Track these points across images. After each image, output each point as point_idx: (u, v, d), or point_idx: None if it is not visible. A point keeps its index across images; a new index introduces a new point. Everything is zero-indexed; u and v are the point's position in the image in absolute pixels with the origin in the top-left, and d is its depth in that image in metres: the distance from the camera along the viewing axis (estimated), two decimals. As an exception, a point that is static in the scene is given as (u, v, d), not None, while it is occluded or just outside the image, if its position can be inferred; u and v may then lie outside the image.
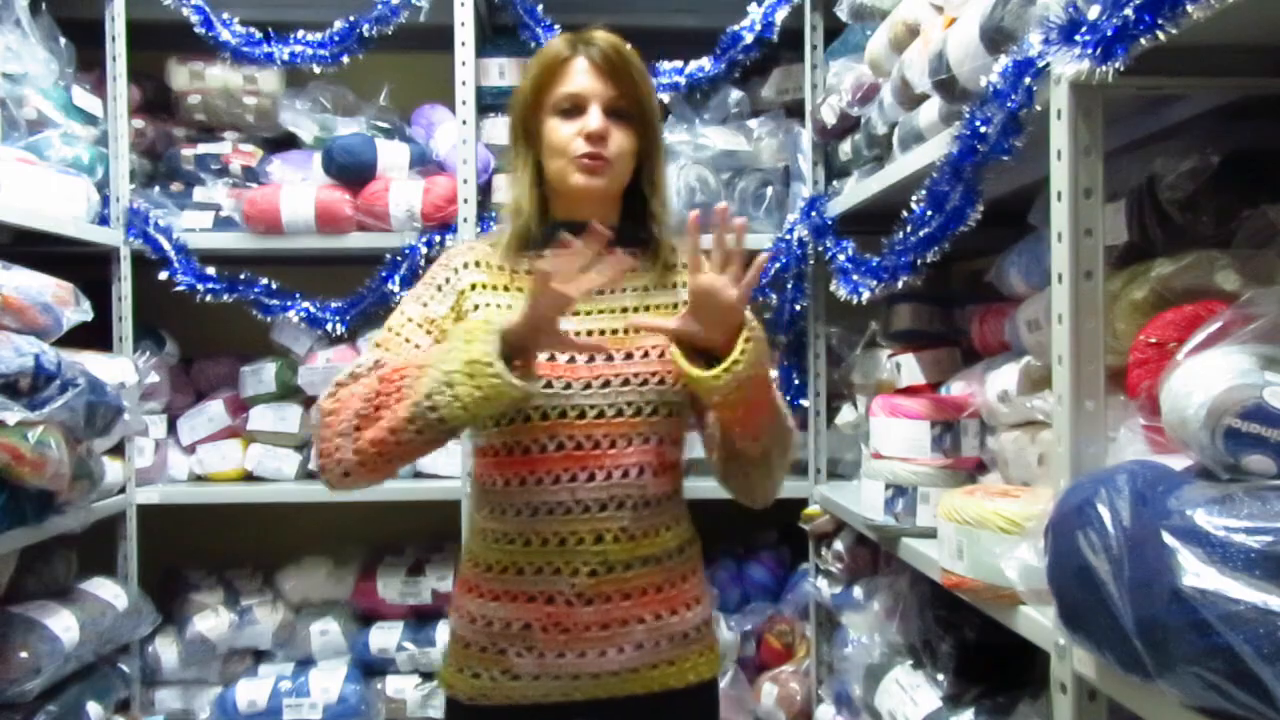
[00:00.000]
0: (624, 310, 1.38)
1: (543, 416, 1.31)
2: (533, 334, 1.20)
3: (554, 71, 1.36)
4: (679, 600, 1.38)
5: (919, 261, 1.56)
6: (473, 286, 1.38)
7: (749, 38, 2.43)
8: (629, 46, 1.38)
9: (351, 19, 2.41)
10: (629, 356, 1.34)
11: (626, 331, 1.36)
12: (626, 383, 1.33)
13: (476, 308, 1.36)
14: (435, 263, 1.45)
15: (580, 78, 1.35)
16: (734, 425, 1.32)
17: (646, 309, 1.39)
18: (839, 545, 2.24)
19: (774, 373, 1.34)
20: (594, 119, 1.33)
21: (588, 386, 1.32)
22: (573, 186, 1.35)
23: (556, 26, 2.46)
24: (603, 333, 1.36)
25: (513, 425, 1.32)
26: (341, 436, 1.22)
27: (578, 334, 1.34)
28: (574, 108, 1.35)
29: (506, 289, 1.38)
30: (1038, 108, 1.18)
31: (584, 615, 1.32)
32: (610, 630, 1.33)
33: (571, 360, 1.33)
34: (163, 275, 2.42)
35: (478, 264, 1.40)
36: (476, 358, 1.14)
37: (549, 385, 1.31)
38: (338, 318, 2.46)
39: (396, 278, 2.41)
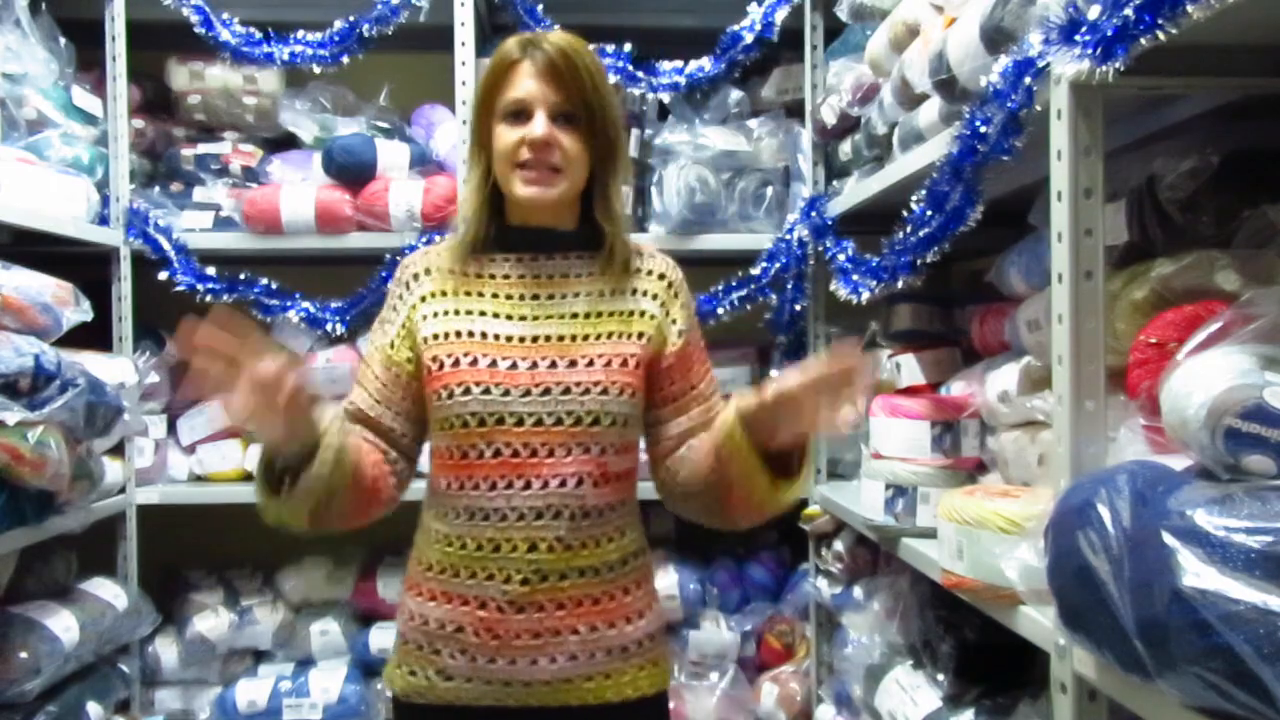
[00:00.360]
0: (574, 316, 1.35)
1: (480, 423, 1.29)
2: (287, 437, 1.21)
3: (502, 75, 1.33)
4: (618, 613, 1.35)
5: (919, 261, 1.56)
6: (423, 299, 1.37)
7: (749, 38, 2.43)
8: (585, 47, 1.34)
9: (351, 19, 2.41)
10: (573, 364, 1.31)
11: (573, 338, 1.34)
12: (567, 391, 1.30)
13: (426, 318, 1.36)
14: (397, 271, 1.45)
15: (526, 82, 1.31)
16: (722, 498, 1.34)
17: (598, 315, 1.35)
18: (839, 545, 2.24)
19: None
20: (537, 126, 1.29)
21: (526, 394, 1.30)
22: (518, 196, 1.33)
23: (556, 26, 2.46)
24: (548, 338, 1.33)
25: (453, 429, 1.31)
26: None
27: (523, 339, 1.33)
28: (520, 113, 1.31)
29: (456, 293, 1.37)
30: (1038, 108, 1.18)
31: (515, 622, 1.31)
32: (542, 639, 1.31)
33: (513, 367, 1.31)
34: (163, 275, 2.41)
35: (428, 271, 1.39)
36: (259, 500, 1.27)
37: (487, 391, 1.30)
38: (338, 318, 2.46)
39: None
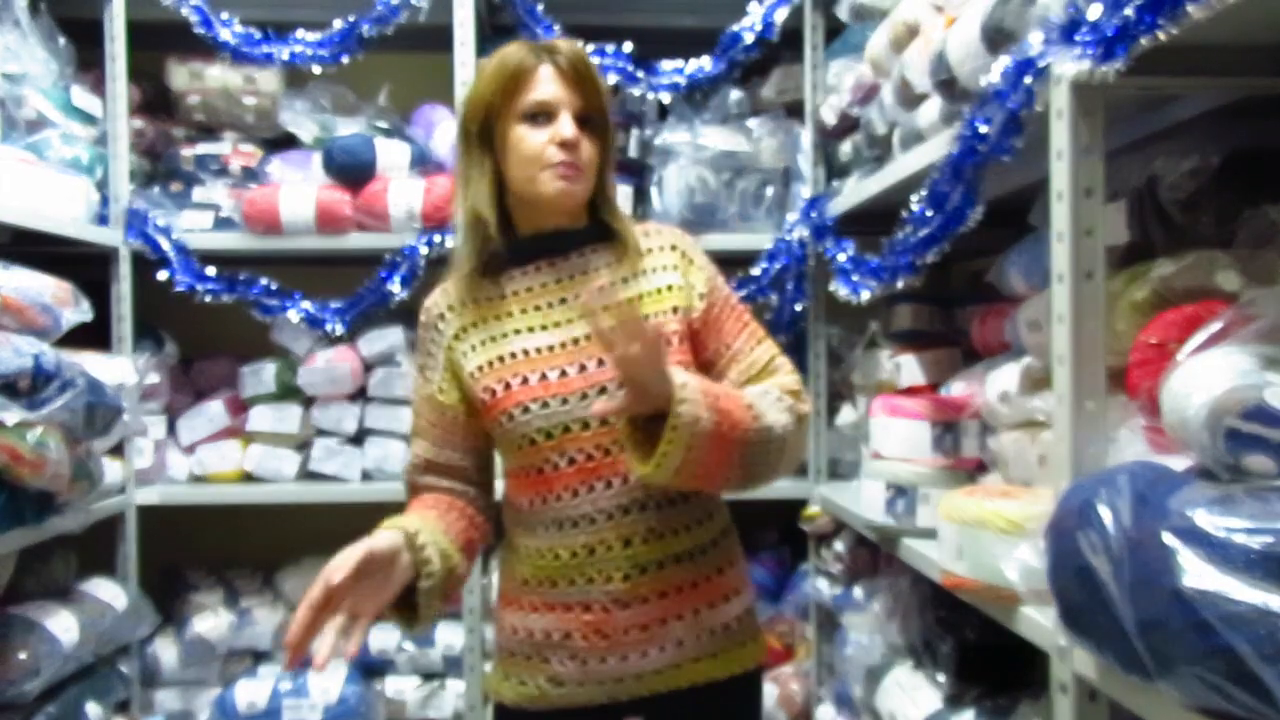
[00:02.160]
0: (604, 309, 1.34)
1: (547, 436, 1.31)
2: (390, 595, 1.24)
3: (521, 79, 1.32)
4: (715, 593, 1.37)
5: (919, 261, 1.56)
6: (456, 337, 1.38)
7: (749, 38, 2.43)
8: (590, 56, 1.38)
9: (351, 19, 2.41)
10: None
11: (614, 329, 1.34)
12: (622, 385, 1.28)
13: (465, 354, 1.36)
14: (420, 318, 1.44)
15: (549, 85, 1.32)
16: (695, 487, 1.31)
17: (629, 301, 1.35)
18: (839, 545, 2.24)
19: (749, 407, 1.27)
20: (567, 127, 1.31)
21: (584, 397, 1.31)
22: (548, 194, 1.32)
23: (556, 27, 2.46)
24: (589, 337, 1.32)
25: (522, 450, 1.33)
26: None
27: (564, 345, 1.33)
28: (543, 115, 1.32)
29: (485, 321, 1.37)
30: (1038, 108, 1.18)
31: (622, 619, 1.32)
32: (650, 630, 1.33)
33: (563, 375, 1.32)
34: (162, 275, 2.41)
35: (451, 309, 1.40)
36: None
37: (546, 405, 1.30)
38: (338, 318, 2.46)
39: (396, 278, 2.41)
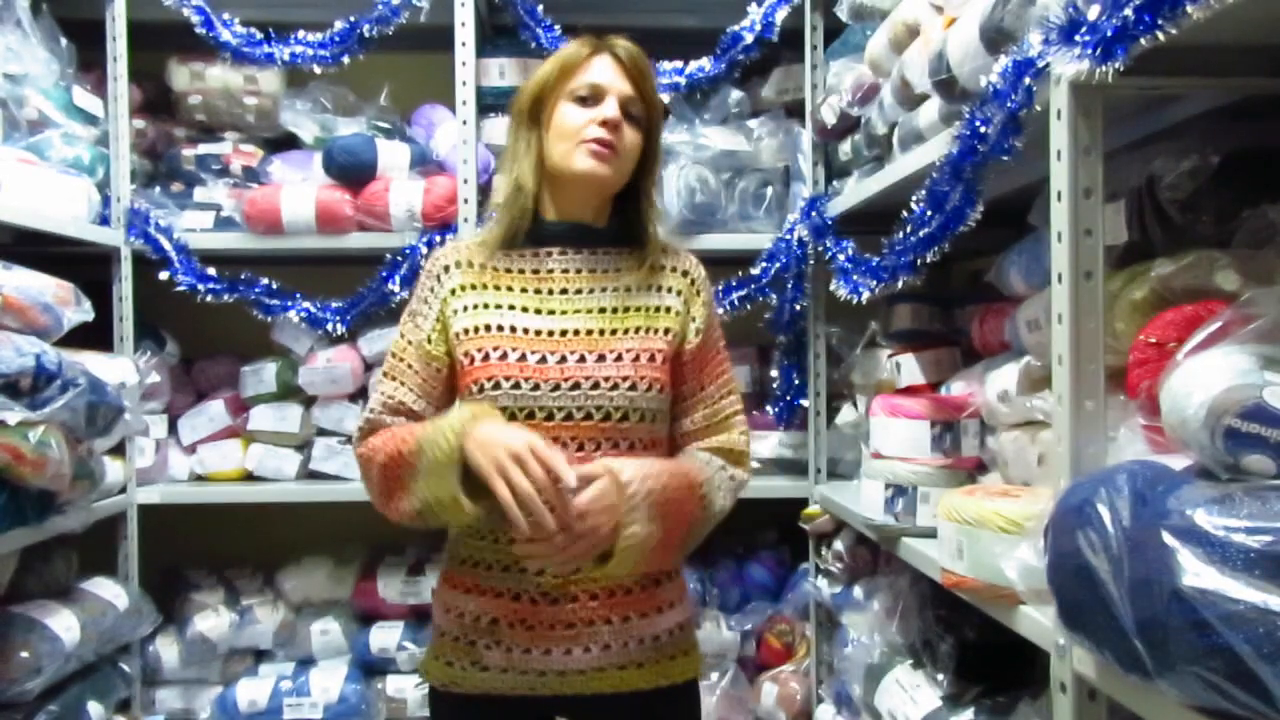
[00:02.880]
0: (602, 310, 1.38)
1: (510, 417, 1.31)
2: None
3: (575, 64, 1.38)
4: (649, 603, 1.38)
5: (919, 261, 1.56)
6: (453, 292, 1.40)
7: (749, 38, 2.43)
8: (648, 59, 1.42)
9: (352, 19, 2.41)
10: (601, 359, 1.34)
11: (601, 332, 1.36)
12: (596, 386, 1.32)
13: (458, 312, 1.38)
14: (424, 266, 1.47)
15: (603, 71, 1.38)
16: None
17: (625, 310, 1.38)
18: (839, 545, 2.24)
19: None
20: (610, 108, 1.35)
21: (556, 388, 1.32)
22: (579, 170, 1.35)
23: (556, 27, 2.46)
24: (576, 332, 1.36)
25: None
26: (380, 498, 1.36)
27: (551, 333, 1.35)
28: (592, 96, 1.37)
29: (486, 286, 1.39)
30: (1038, 108, 1.18)
31: (549, 613, 1.34)
32: (575, 629, 1.34)
33: (542, 361, 1.33)
34: (163, 275, 2.42)
35: (458, 264, 1.42)
36: (440, 496, 1.26)
37: (517, 386, 1.32)
38: (338, 318, 2.46)
39: (397, 278, 2.41)
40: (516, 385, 1.32)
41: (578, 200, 1.40)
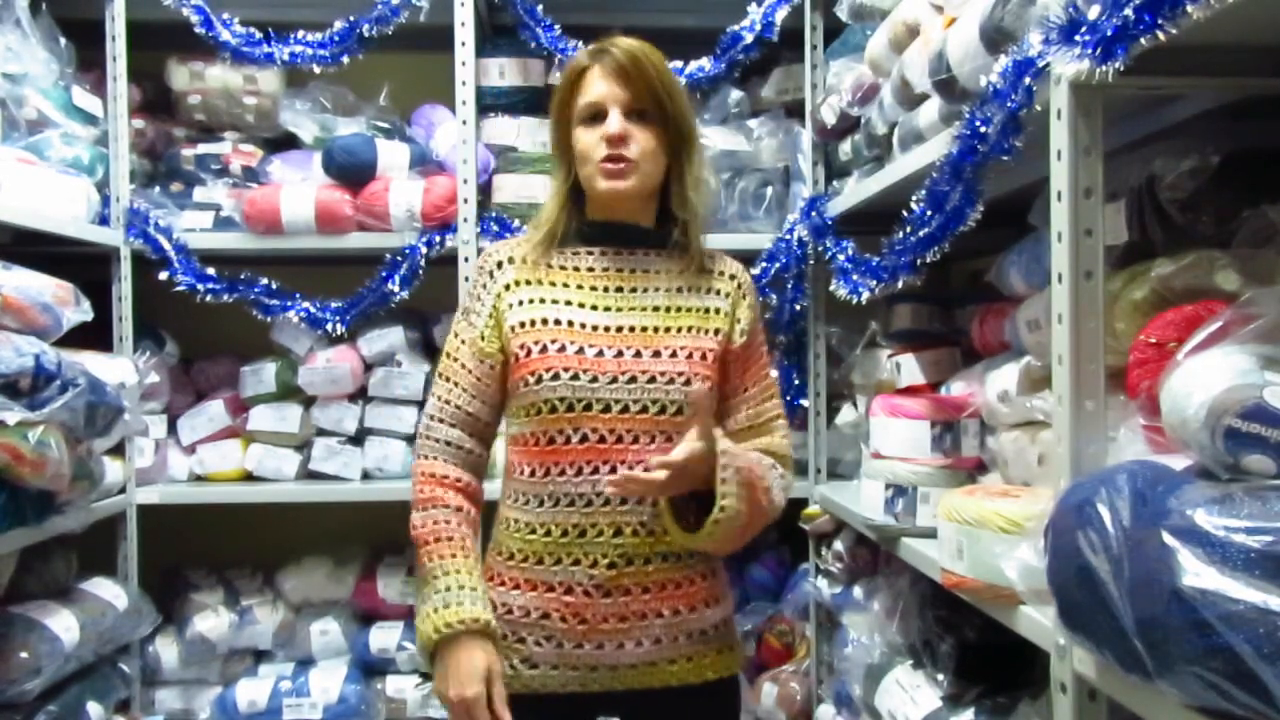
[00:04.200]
0: (655, 309, 1.41)
1: (568, 408, 1.34)
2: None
3: (575, 83, 1.40)
4: (697, 597, 1.40)
5: (919, 261, 1.56)
6: (507, 287, 1.42)
7: (749, 38, 2.43)
8: (652, 49, 1.41)
9: (351, 19, 2.41)
10: (657, 354, 1.37)
11: (655, 329, 1.38)
12: (652, 380, 1.35)
13: (512, 306, 1.41)
14: (478, 261, 1.50)
15: (598, 85, 1.38)
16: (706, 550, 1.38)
17: (678, 309, 1.41)
18: (839, 545, 2.24)
19: (772, 490, 1.39)
20: (612, 123, 1.36)
21: (613, 381, 1.34)
22: (599, 191, 1.39)
23: (556, 26, 2.46)
24: (632, 329, 1.38)
25: (540, 415, 1.36)
26: (416, 530, 1.42)
27: (608, 329, 1.38)
28: (596, 115, 1.38)
29: (540, 282, 1.42)
30: (1038, 108, 1.18)
31: (602, 607, 1.35)
32: (628, 623, 1.35)
33: (600, 354, 1.35)
34: (163, 275, 2.42)
35: (510, 261, 1.45)
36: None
37: (575, 377, 1.34)
38: (338, 318, 2.46)
39: (396, 278, 2.41)
40: (575, 376, 1.34)
41: (617, 208, 1.43)
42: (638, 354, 1.36)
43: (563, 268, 1.43)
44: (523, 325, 1.39)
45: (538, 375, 1.35)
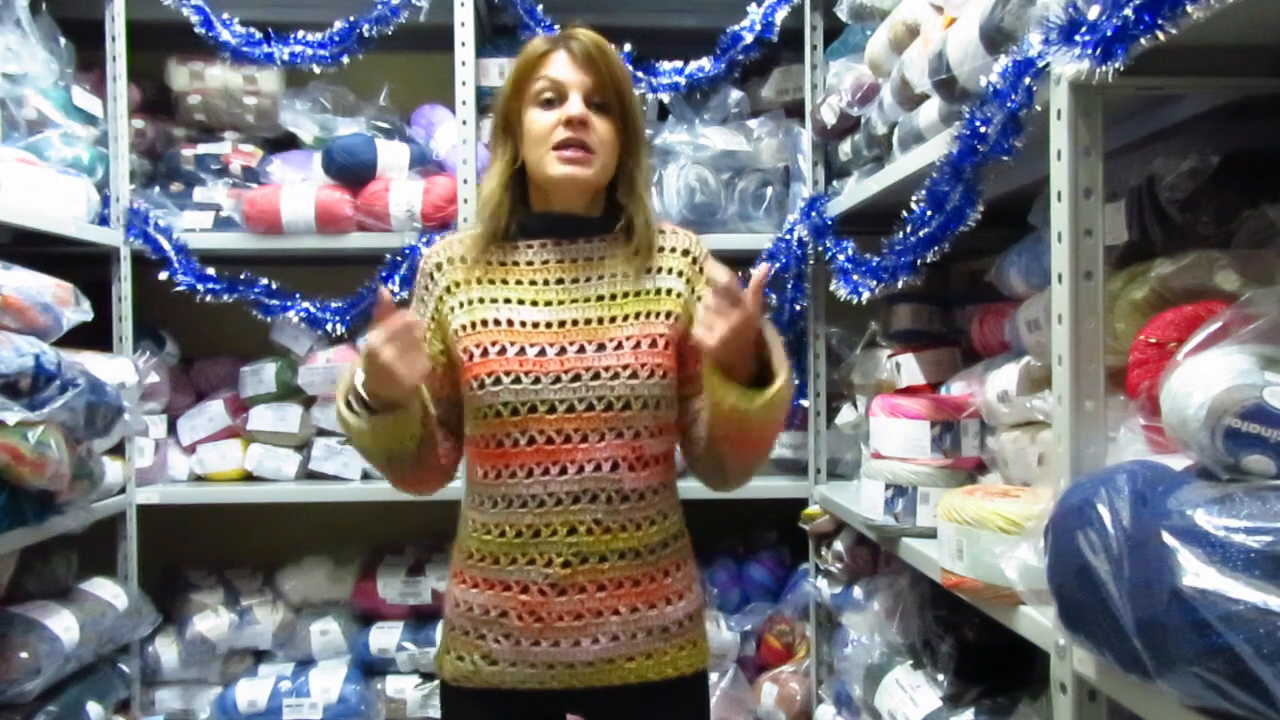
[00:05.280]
0: (600, 298, 1.37)
1: (513, 412, 1.32)
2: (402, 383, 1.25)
3: (534, 65, 1.37)
4: (658, 594, 1.38)
5: (919, 261, 1.56)
6: (449, 289, 1.40)
7: (749, 38, 2.43)
8: (609, 44, 1.39)
9: (351, 19, 2.41)
10: (602, 348, 1.34)
11: (601, 321, 1.36)
12: (597, 376, 1.32)
13: (454, 309, 1.39)
14: (419, 264, 1.48)
15: (561, 68, 1.36)
16: (732, 448, 1.35)
17: (624, 295, 1.38)
18: (839, 545, 2.24)
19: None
20: (574, 105, 1.34)
21: (557, 380, 1.32)
22: (554, 176, 1.35)
23: (556, 27, 2.46)
24: (575, 323, 1.35)
25: (486, 419, 1.34)
26: (376, 466, 1.41)
27: (550, 324, 1.35)
28: (555, 97, 1.36)
29: (481, 281, 1.40)
30: (1038, 108, 1.18)
31: (557, 605, 1.34)
32: (584, 620, 1.34)
33: (542, 353, 1.33)
34: (163, 275, 2.42)
35: (450, 261, 1.42)
36: (340, 411, 1.33)
37: (518, 380, 1.32)
38: (338, 318, 2.46)
39: (396, 278, 2.41)
40: (517, 380, 1.32)
41: (565, 197, 1.39)
42: (581, 349, 1.33)
43: (503, 264, 1.40)
44: (465, 329, 1.36)
45: (480, 380, 1.33)
